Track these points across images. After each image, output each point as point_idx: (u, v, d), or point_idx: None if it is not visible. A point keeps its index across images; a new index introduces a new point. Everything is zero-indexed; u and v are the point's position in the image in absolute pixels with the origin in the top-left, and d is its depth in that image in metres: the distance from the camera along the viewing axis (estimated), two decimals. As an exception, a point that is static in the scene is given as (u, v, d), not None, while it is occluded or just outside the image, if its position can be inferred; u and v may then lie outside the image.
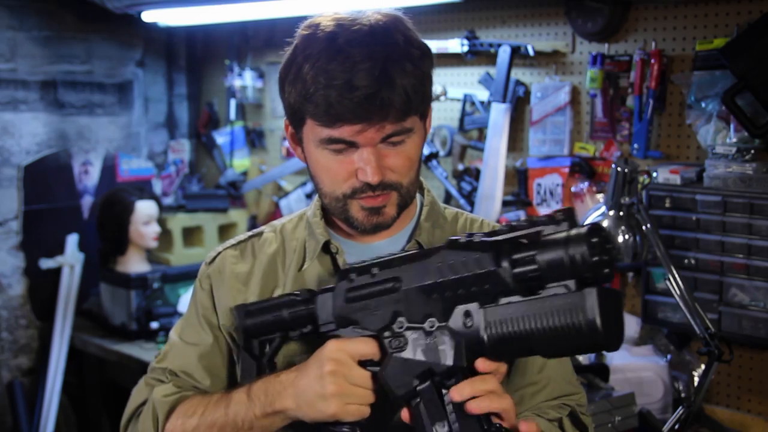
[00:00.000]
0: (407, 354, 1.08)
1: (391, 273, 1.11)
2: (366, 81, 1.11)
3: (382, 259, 1.14)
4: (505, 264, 1.00)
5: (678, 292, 2.07)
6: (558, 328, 0.95)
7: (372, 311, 1.12)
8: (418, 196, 1.34)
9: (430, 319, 1.06)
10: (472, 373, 1.05)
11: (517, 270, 0.99)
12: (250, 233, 1.38)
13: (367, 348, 1.11)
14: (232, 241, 1.38)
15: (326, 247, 1.29)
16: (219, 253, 1.36)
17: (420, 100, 1.17)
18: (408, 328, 1.08)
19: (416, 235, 1.30)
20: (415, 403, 1.08)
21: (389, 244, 1.29)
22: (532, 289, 0.99)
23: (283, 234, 1.35)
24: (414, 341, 1.07)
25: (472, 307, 1.03)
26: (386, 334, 1.10)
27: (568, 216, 0.99)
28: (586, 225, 0.98)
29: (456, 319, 1.04)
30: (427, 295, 1.07)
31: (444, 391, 1.06)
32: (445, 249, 1.07)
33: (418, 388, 1.07)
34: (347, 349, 1.10)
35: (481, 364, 1.04)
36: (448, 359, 1.05)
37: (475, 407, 1.03)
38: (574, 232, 0.96)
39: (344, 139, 1.15)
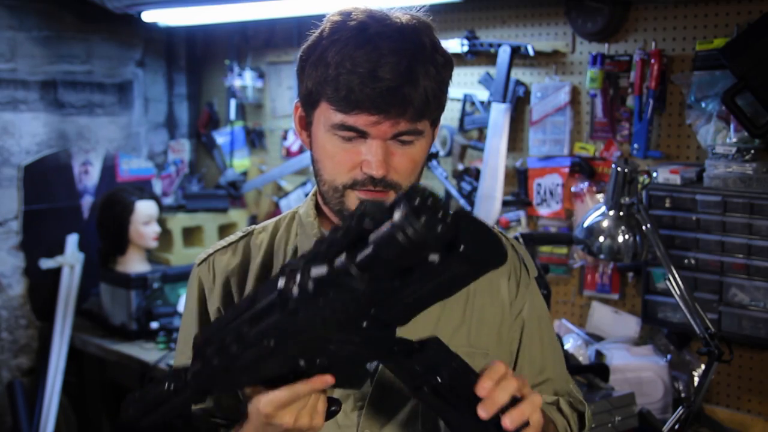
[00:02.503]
0: (335, 368, 1.02)
1: (257, 337, 0.99)
2: (391, 74, 1.11)
3: (228, 326, 1.03)
4: (358, 275, 0.88)
5: (678, 292, 2.07)
6: (452, 284, 0.92)
7: (268, 369, 1.02)
8: None
9: (331, 340, 0.98)
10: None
11: (374, 270, 0.88)
12: (240, 233, 1.37)
13: (294, 394, 1.03)
14: (222, 243, 1.36)
15: None
16: (210, 254, 1.35)
17: (436, 106, 1.18)
18: (317, 356, 1.01)
19: None
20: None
21: None
22: (406, 275, 0.91)
23: (275, 234, 1.34)
24: (331, 358, 1.00)
25: (360, 314, 0.95)
26: (300, 367, 1.02)
27: (370, 211, 0.89)
28: (402, 208, 0.85)
29: (352, 327, 0.96)
30: (310, 333, 0.96)
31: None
32: (286, 294, 0.94)
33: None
34: (277, 402, 1.02)
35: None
36: (376, 351, 1.02)
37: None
38: (397, 222, 0.84)
39: (357, 127, 1.15)
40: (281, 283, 0.95)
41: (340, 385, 1.06)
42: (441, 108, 1.21)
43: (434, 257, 0.88)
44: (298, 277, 0.93)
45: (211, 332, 1.07)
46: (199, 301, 1.33)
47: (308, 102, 1.21)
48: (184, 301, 1.41)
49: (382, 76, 1.11)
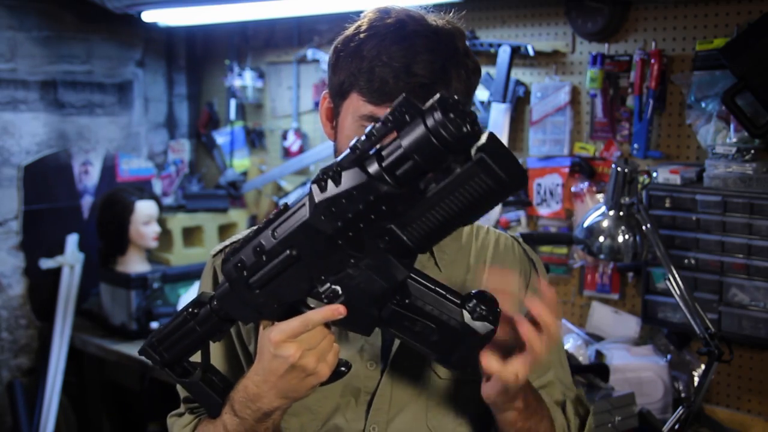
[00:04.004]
0: (349, 299, 1.05)
1: (279, 246, 1.05)
2: (425, 71, 1.14)
3: (251, 234, 1.09)
4: (384, 176, 0.95)
5: (678, 292, 2.07)
6: (474, 199, 0.93)
7: (284, 285, 1.07)
8: None
9: (349, 260, 1.03)
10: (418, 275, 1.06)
11: (398, 174, 0.95)
12: (254, 229, 1.38)
13: (305, 322, 1.07)
14: (239, 236, 1.37)
15: None
16: (226, 246, 1.36)
17: None
18: (333, 281, 1.05)
19: None
20: (388, 329, 1.08)
21: None
22: (422, 179, 0.96)
23: None
24: (348, 285, 1.04)
25: (379, 227, 0.99)
26: (314, 295, 1.06)
27: (409, 105, 0.93)
28: (434, 102, 0.92)
29: (372, 247, 1.01)
30: (331, 247, 1.02)
31: (406, 301, 1.05)
32: (314, 194, 1.00)
33: (381, 314, 1.06)
34: (289, 331, 1.07)
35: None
36: (390, 280, 1.03)
37: None
38: (428, 116, 0.91)
39: None
40: (312, 186, 1.00)
41: (349, 325, 1.08)
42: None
43: (456, 167, 0.92)
44: (329, 180, 0.98)
45: (237, 247, 1.10)
46: (213, 288, 1.33)
47: (339, 93, 1.22)
48: (195, 291, 1.40)
49: (417, 72, 1.13)
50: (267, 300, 1.08)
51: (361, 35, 1.18)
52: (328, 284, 1.05)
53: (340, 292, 1.05)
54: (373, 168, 0.96)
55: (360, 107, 1.18)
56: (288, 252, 1.04)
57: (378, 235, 0.99)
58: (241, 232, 1.39)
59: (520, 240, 1.41)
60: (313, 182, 1.00)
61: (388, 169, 0.95)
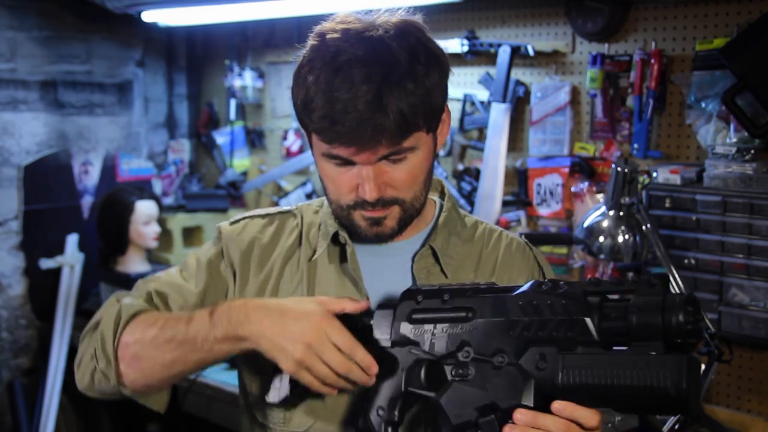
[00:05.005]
0: (470, 385, 1.04)
1: (465, 302, 1.08)
2: (360, 106, 1.10)
3: (453, 287, 1.12)
4: (594, 315, 0.97)
5: (678, 292, 2.06)
6: (641, 388, 0.93)
7: (437, 336, 1.08)
8: (437, 199, 1.35)
9: (501, 354, 1.02)
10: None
11: (605, 324, 0.97)
12: (278, 209, 1.38)
13: (353, 305, 1.12)
14: (260, 211, 1.37)
15: (335, 239, 1.29)
16: (245, 217, 1.36)
17: (424, 117, 1.15)
18: (474, 359, 1.04)
19: (431, 240, 1.29)
20: None
21: (403, 246, 1.29)
22: (614, 344, 0.97)
23: (303, 223, 1.35)
24: (480, 373, 1.04)
25: (549, 350, 0.99)
26: (450, 360, 1.06)
27: (662, 282, 0.99)
28: (682, 293, 0.96)
29: (529, 360, 1.00)
30: (502, 331, 1.03)
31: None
32: (527, 289, 1.04)
33: (479, 420, 1.02)
34: (345, 339, 1.10)
35: (557, 405, 0.98)
36: (515, 398, 1.00)
37: None
38: (670, 298, 0.95)
39: (342, 156, 1.16)
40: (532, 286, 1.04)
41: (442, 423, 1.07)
42: (433, 114, 1.18)
43: (653, 350, 0.94)
44: (550, 288, 1.02)
45: (468, 288, 1.11)
46: (220, 253, 1.34)
47: (300, 121, 1.21)
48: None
49: (352, 109, 1.10)
50: (407, 337, 1.11)
51: (305, 67, 1.16)
52: (470, 357, 1.05)
53: (473, 374, 1.04)
54: (593, 315, 0.98)
55: (319, 145, 1.18)
56: (463, 314, 1.07)
57: (544, 354, 0.99)
58: (264, 209, 1.38)
59: (531, 245, 1.39)
60: (540, 282, 1.04)
61: (601, 318, 0.97)
